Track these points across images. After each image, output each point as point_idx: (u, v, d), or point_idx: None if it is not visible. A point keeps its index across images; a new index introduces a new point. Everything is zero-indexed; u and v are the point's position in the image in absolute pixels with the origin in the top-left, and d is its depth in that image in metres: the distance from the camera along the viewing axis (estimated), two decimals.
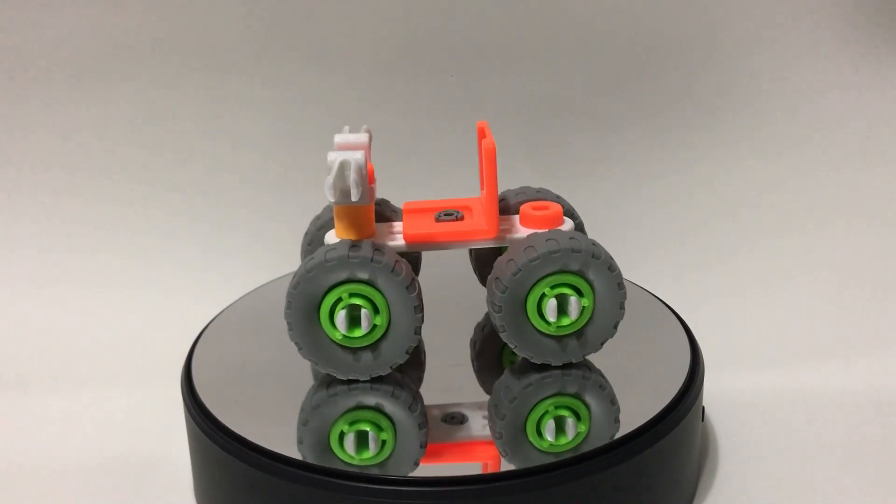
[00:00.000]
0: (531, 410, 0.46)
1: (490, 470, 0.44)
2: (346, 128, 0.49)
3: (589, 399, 0.47)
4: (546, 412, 0.46)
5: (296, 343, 0.47)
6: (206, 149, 0.73)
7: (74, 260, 0.72)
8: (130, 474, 0.53)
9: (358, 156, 0.45)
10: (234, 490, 0.45)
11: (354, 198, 0.44)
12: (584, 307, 0.46)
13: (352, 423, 0.45)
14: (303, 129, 0.73)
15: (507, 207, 0.52)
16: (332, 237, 0.49)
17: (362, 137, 0.47)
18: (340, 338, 0.46)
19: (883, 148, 0.74)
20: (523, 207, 0.49)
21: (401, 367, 0.48)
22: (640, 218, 0.74)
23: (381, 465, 0.43)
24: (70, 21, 0.70)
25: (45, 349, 0.66)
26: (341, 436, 0.44)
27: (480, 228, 0.48)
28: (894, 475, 0.51)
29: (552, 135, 0.75)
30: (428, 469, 0.43)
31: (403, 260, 0.46)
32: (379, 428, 0.45)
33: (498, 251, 0.53)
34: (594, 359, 0.49)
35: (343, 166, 0.44)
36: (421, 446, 0.44)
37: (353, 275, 0.45)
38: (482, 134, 0.50)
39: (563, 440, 0.44)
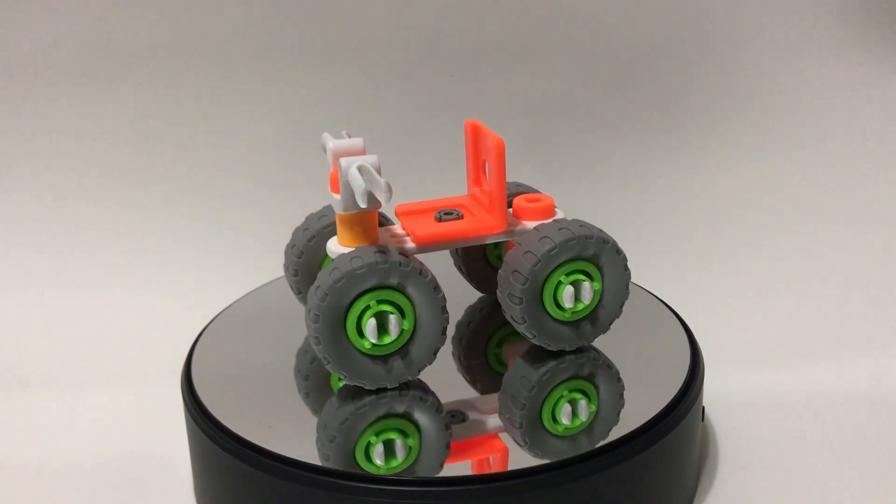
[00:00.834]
0: (546, 397, 0.47)
1: (517, 462, 0.44)
2: (326, 134, 0.48)
3: (599, 380, 0.48)
4: (561, 397, 0.47)
5: (324, 358, 0.45)
6: (206, 149, 0.74)
7: (74, 260, 0.72)
8: (130, 474, 0.53)
9: (372, 159, 0.44)
10: (234, 490, 0.45)
11: (387, 200, 0.43)
12: (595, 291, 0.48)
13: (378, 434, 0.44)
14: (303, 129, 0.73)
15: None
16: (335, 246, 0.47)
17: (358, 142, 0.47)
18: (369, 347, 0.45)
19: (883, 148, 0.74)
20: (516, 201, 0.50)
21: None
22: (640, 218, 0.74)
23: (409, 469, 0.43)
24: (70, 21, 0.70)
25: (45, 349, 0.66)
26: (367, 447, 0.44)
27: (489, 224, 0.48)
28: (894, 475, 0.51)
29: (552, 135, 0.75)
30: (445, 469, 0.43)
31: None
32: (404, 434, 0.45)
33: (483, 246, 0.54)
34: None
35: (363, 170, 0.43)
36: (446, 447, 0.44)
37: (383, 281, 0.44)
38: (475, 132, 0.50)
39: (577, 422, 0.45)
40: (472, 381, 0.51)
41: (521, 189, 0.54)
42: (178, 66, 0.72)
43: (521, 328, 0.48)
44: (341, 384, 0.49)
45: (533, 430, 0.45)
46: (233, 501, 0.46)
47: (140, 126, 0.73)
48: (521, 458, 0.44)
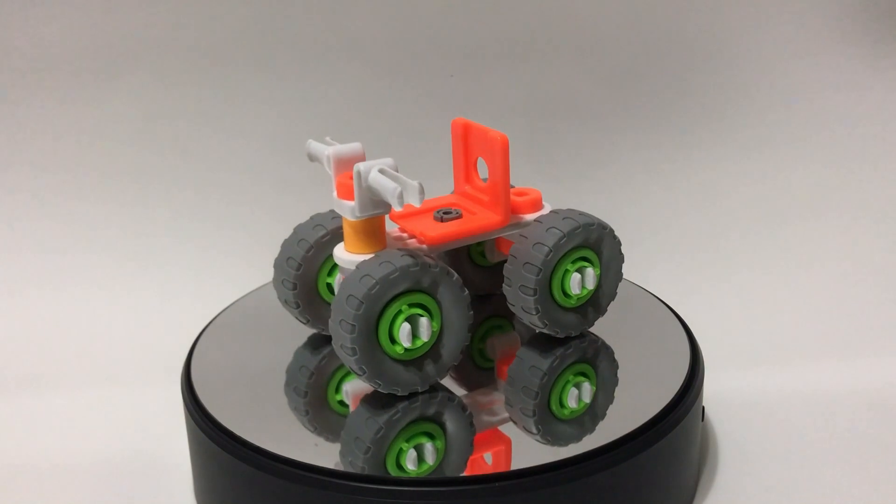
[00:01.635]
0: (553, 383, 0.48)
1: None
2: (311, 141, 0.47)
3: (599, 362, 0.50)
4: (567, 382, 0.48)
5: (360, 369, 0.44)
6: (206, 149, 0.74)
7: (75, 260, 0.72)
8: (130, 474, 0.53)
9: (389, 161, 0.44)
10: (234, 490, 0.45)
11: (419, 202, 0.42)
12: (597, 276, 0.49)
13: (409, 440, 0.44)
14: (303, 129, 0.73)
15: None
16: (343, 254, 0.46)
17: (356, 146, 0.46)
18: (402, 352, 0.45)
19: (884, 148, 0.74)
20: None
21: None
22: (640, 218, 0.74)
23: (439, 470, 0.43)
24: (70, 21, 0.70)
25: (46, 349, 0.66)
26: (399, 455, 0.43)
27: (494, 220, 0.49)
28: (894, 475, 0.51)
29: (552, 135, 0.75)
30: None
31: None
32: (432, 437, 0.44)
33: (468, 245, 0.55)
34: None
35: (387, 174, 0.43)
36: (470, 445, 0.45)
37: (415, 284, 0.44)
38: (465, 130, 0.50)
39: (581, 405, 0.47)
40: (464, 378, 0.51)
41: None
42: (179, 67, 0.72)
43: (531, 318, 0.49)
44: (340, 396, 0.48)
45: (544, 417, 0.46)
46: (233, 501, 0.46)
47: (140, 126, 0.73)
48: (527, 456, 0.43)
